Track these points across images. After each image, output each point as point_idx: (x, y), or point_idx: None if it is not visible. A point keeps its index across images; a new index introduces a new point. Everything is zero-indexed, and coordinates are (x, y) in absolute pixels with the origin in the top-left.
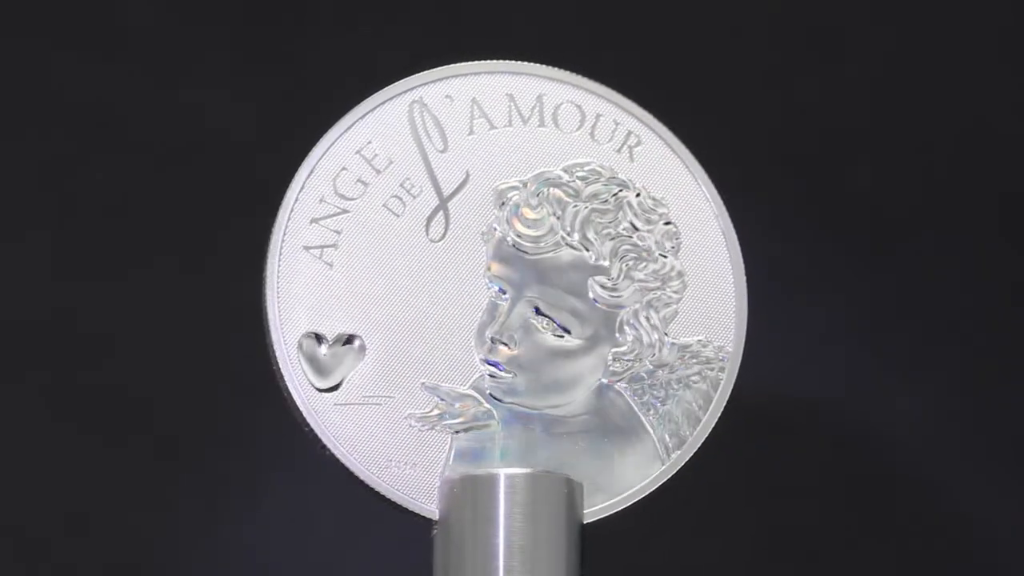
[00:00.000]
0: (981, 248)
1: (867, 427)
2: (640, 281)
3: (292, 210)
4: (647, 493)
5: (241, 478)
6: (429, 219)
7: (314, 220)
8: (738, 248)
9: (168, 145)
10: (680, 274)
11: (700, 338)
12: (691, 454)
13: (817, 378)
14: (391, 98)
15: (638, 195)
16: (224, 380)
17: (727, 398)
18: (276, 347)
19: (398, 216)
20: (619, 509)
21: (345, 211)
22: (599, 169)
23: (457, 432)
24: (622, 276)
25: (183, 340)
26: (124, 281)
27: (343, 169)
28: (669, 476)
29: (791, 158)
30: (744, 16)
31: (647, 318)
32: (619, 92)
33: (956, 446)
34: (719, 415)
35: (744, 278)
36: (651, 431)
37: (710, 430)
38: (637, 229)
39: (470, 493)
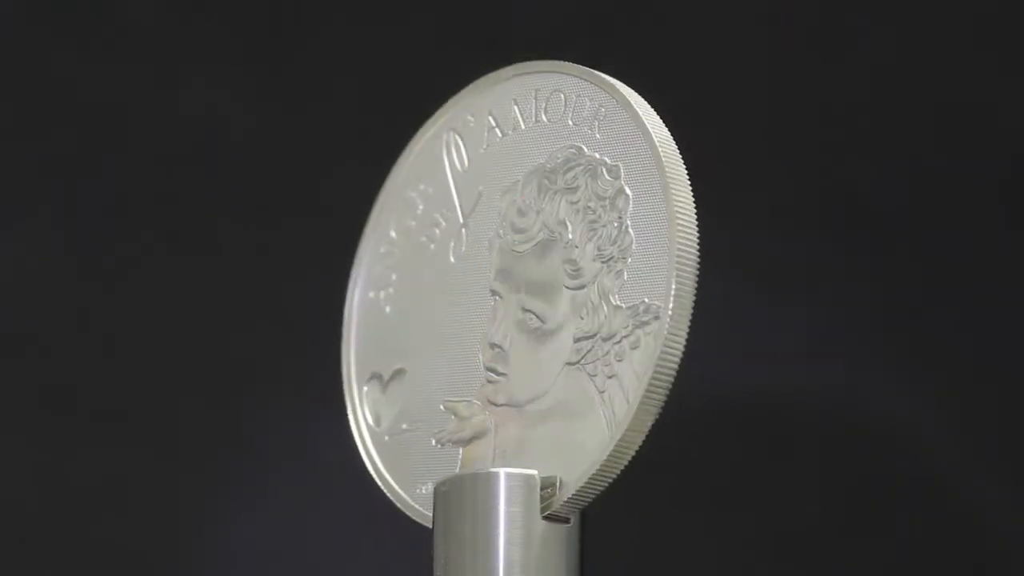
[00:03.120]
0: (981, 248)
1: (806, 400)
2: (599, 253)
3: (360, 268)
4: (597, 468)
5: (296, 505)
6: (454, 242)
7: (379, 266)
8: (683, 202)
9: (229, 210)
10: (631, 238)
11: (642, 300)
12: (628, 421)
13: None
14: (430, 131)
15: (599, 165)
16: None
17: (656, 356)
18: (347, 395)
19: (432, 246)
20: (576, 491)
21: (397, 252)
22: (572, 150)
23: (465, 444)
24: (588, 252)
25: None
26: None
27: (396, 212)
28: (612, 449)
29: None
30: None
31: (602, 288)
32: (607, 73)
33: (947, 441)
34: (649, 376)
35: (684, 233)
36: (600, 405)
37: (643, 392)
38: (599, 200)
39: (466, 495)
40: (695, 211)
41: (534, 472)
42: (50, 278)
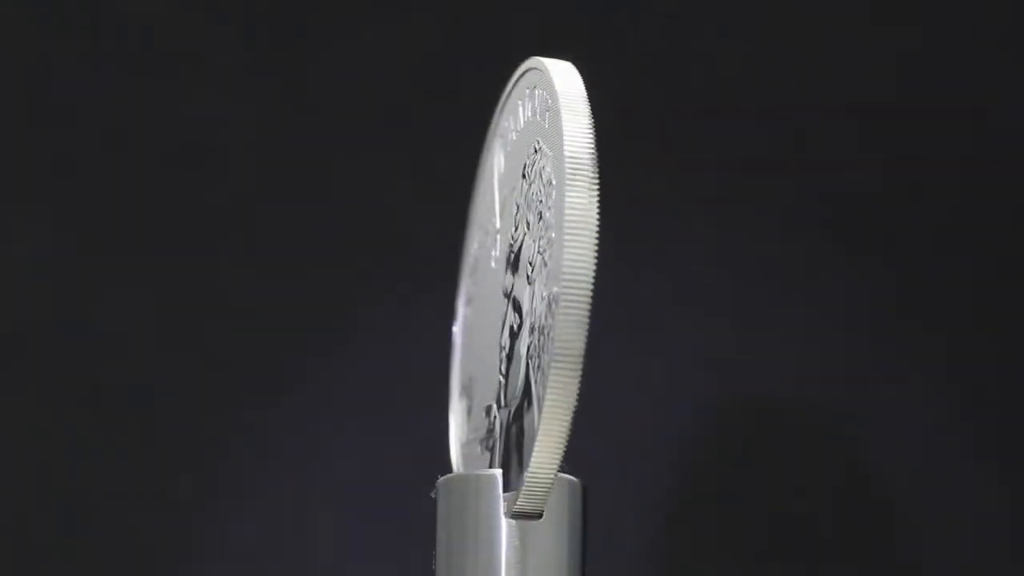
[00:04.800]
0: (980, 250)
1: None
2: (538, 246)
3: (462, 285)
4: (531, 465)
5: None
6: (493, 248)
7: (468, 281)
8: (578, 180)
9: (228, 210)
10: (551, 226)
11: (553, 288)
12: (544, 413)
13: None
14: (490, 138)
15: (544, 157)
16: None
17: (556, 342)
18: (450, 409)
19: (484, 256)
20: (524, 488)
21: (478, 266)
22: (536, 145)
23: (491, 448)
24: (537, 246)
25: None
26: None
27: (476, 226)
28: (537, 443)
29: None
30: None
31: (540, 280)
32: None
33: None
34: (553, 363)
35: (575, 213)
36: (537, 397)
37: (550, 380)
38: (541, 191)
39: (448, 498)
40: (596, 192)
41: (497, 472)
42: (50, 278)
